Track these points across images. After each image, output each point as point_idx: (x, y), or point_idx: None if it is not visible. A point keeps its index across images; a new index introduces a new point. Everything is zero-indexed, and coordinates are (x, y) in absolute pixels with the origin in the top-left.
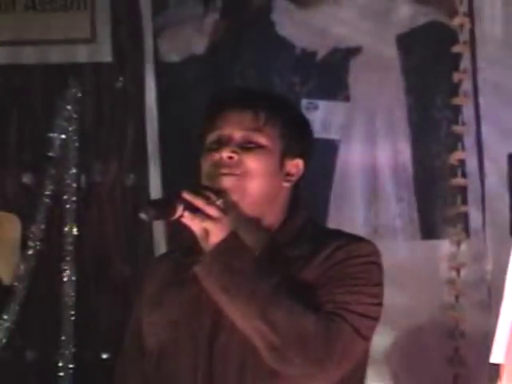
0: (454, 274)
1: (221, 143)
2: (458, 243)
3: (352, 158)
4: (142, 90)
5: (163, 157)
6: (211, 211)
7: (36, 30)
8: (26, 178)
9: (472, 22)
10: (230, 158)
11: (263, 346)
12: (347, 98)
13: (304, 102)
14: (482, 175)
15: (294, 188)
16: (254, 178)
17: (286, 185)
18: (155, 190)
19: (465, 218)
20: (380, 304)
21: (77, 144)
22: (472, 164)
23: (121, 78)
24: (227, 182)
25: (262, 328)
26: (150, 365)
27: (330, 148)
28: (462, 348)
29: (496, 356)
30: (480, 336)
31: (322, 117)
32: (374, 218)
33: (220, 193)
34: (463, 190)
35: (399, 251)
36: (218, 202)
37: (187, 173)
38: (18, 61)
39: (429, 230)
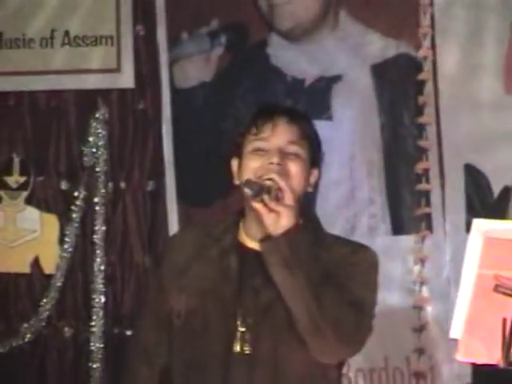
0: (419, 264)
1: (269, 150)
2: (423, 238)
3: (334, 167)
4: (159, 112)
5: (177, 167)
6: (289, 199)
7: (71, 62)
8: (64, 185)
9: (434, 54)
10: (279, 164)
11: (307, 319)
12: (330, 118)
13: None
14: (443, 182)
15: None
16: (295, 183)
17: (310, 190)
18: (171, 195)
19: (428, 217)
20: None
21: (105, 156)
22: (434, 172)
23: (142, 102)
24: (283, 183)
25: (310, 303)
26: (178, 321)
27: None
28: (426, 326)
29: (454, 332)
30: (441, 316)
31: None
32: (352, 217)
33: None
34: (427, 194)
35: (374, 245)
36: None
37: (198, 180)
38: (57, 87)
39: (398, 227)
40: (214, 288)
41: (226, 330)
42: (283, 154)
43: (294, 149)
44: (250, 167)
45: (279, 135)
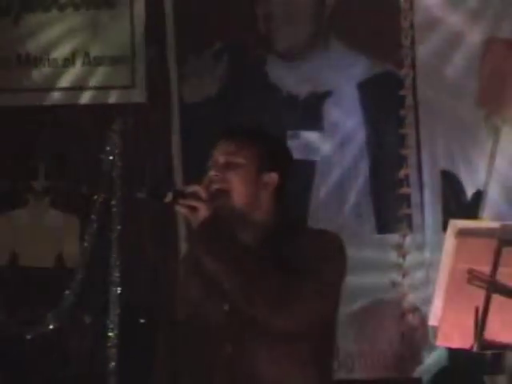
0: (401, 259)
1: (212, 165)
2: (404, 236)
3: (326, 173)
4: (169, 123)
5: (185, 172)
6: (191, 202)
7: (91, 79)
8: (84, 189)
9: (414, 72)
10: (216, 175)
11: (239, 296)
12: (321, 129)
13: (288, 132)
14: (422, 186)
15: (278, 195)
16: (234, 188)
17: (264, 192)
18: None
19: (409, 217)
20: (334, 284)
21: (121, 163)
22: (414, 177)
23: (153, 115)
24: (192, 188)
25: (238, 282)
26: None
27: (309, 166)
28: (407, 314)
29: (432, 320)
30: (420, 305)
31: (303, 143)
32: (342, 217)
33: (213, 195)
34: (408, 197)
35: (362, 242)
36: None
37: None
38: (78, 101)
39: (382, 226)
40: (208, 298)
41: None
42: (221, 166)
43: (231, 159)
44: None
45: (218, 151)
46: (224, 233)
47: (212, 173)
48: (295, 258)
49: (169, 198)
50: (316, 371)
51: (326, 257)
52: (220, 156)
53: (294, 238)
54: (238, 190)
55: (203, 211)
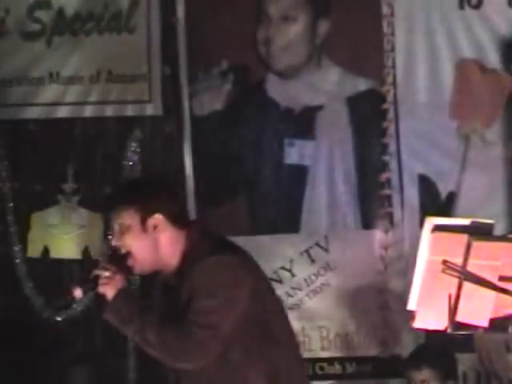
0: (383, 251)
1: (112, 234)
2: (386, 231)
3: (317, 176)
4: (181, 133)
5: (195, 176)
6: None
7: (113, 94)
8: (107, 190)
9: (395, 89)
10: (117, 244)
11: (160, 357)
12: (314, 138)
13: (286, 140)
14: (402, 188)
15: (176, 228)
16: (131, 247)
17: (158, 235)
18: (190, 197)
19: (390, 215)
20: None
21: (139, 168)
22: (395, 180)
23: (168, 126)
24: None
25: (145, 346)
26: None
27: (303, 170)
28: (389, 300)
29: (411, 305)
30: (400, 292)
31: (298, 150)
32: (332, 215)
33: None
34: (389, 197)
35: (349, 237)
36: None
37: (211, 186)
38: (102, 114)
39: (367, 223)
40: None
41: None
42: (117, 233)
43: (117, 225)
44: None
45: (111, 221)
46: (124, 310)
47: (113, 243)
48: (191, 297)
49: (78, 297)
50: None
51: (211, 290)
52: (114, 225)
53: (190, 272)
54: (133, 248)
55: (108, 293)
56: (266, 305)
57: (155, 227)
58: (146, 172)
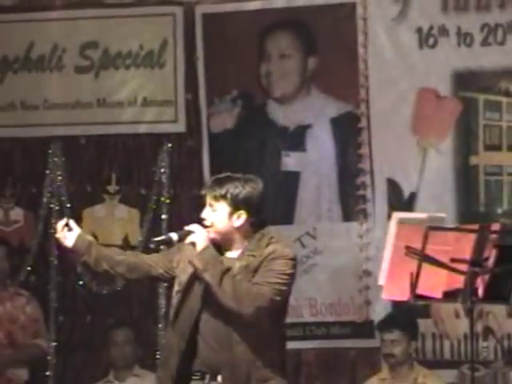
0: (359, 239)
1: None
2: (361, 223)
3: (307, 180)
4: (201, 147)
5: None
6: (195, 236)
7: (147, 116)
8: (143, 191)
9: (368, 111)
10: (203, 218)
11: (223, 300)
12: (305, 150)
13: (283, 152)
14: (373, 189)
15: (251, 223)
16: (214, 225)
17: (237, 225)
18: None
19: (364, 211)
20: (286, 283)
21: (168, 174)
22: (368, 183)
23: (190, 141)
24: (189, 228)
25: (219, 292)
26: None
27: (296, 176)
28: (363, 277)
29: (381, 280)
30: (372, 270)
31: (293, 160)
32: (319, 210)
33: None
34: (364, 196)
35: (333, 228)
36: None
37: None
38: (138, 131)
39: (347, 216)
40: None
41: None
42: (208, 210)
43: (212, 206)
44: None
45: (207, 198)
46: (212, 257)
47: (203, 214)
48: (262, 266)
49: (175, 242)
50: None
51: (280, 269)
52: (208, 205)
53: (263, 248)
54: (215, 226)
55: (200, 244)
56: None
57: (237, 219)
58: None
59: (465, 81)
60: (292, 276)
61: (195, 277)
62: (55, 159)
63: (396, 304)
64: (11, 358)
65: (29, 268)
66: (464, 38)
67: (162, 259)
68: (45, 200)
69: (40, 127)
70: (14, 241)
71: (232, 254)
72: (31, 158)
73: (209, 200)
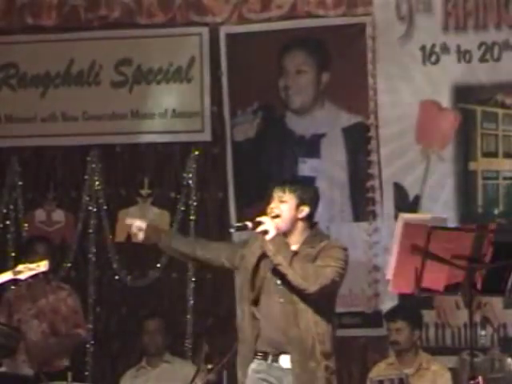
0: (368, 237)
1: (273, 202)
2: (370, 223)
3: (321, 185)
4: (225, 154)
5: (235, 184)
6: (268, 225)
7: (176, 126)
8: (172, 194)
9: (377, 122)
10: (272, 208)
11: (293, 278)
12: (319, 157)
13: (299, 159)
14: (382, 192)
15: (310, 217)
16: (283, 216)
17: (300, 217)
18: (231, 199)
19: (373, 212)
20: (343, 268)
21: (195, 179)
22: (376, 187)
23: (215, 149)
24: (260, 219)
25: (290, 271)
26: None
27: (312, 180)
28: (372, 271)
29: (388, 275)
30: (380, 265)
31: (309, 166)
32: (332, 211)
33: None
34: (373, 199)
35: (343, 227)
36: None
37: (247, 190)
38: (168, 140)
39: (357, 217)
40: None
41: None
42: (277, 201)
43: (282, 199)
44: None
45: (275, 195)
46: (283, 243)
47: (272, 205)
48: (321, 254)
49: (250, 228)
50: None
51: (336, 257)
52: (276, 197)
53: (318, 242)
54: (283, 217)
55: (269, 233)
56: None
57: (301, 212)
58: None
59: (464, 94)
60: (346, 262)
61: (259, 261)
62: (93, 166)
63: (402, 296)
64: (55, 346)
65: (69, 264)
66: (463, 55)
67: (228, 249)
68: (84, 203)
69: (79, 136)
70: (55, 239)
71: (292, 247)
72: (71, 165)
73: (279, 194)
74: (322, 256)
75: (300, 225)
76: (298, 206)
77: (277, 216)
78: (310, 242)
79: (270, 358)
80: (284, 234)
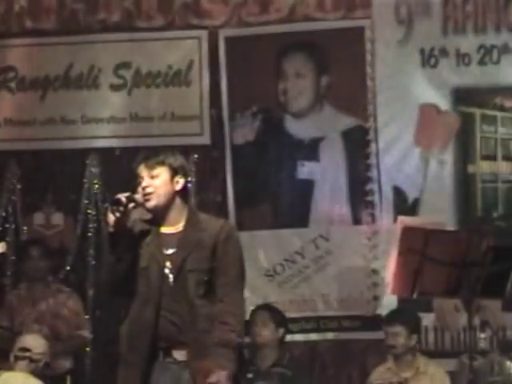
0: (367, 241)
1: (143, 181)
2: (369, 226)
3: (321, 187)
4: (224, 157)
5: (235, 187)
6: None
7: (178, 130)
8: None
9: (376, 125)
10: (145, 187)
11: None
12: (318, 160)
13: (298, 162)
14: (381, 195)
15: (186, 192)
16: (157, 189)
17: (177, 189)
18: (230, 201)
19: (372, 215)
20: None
21: (194, 180)
22: (375, 190)
23: (214, 152)
24: (134, 196)
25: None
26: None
27: (311, 183)
28: (371, 274)
29: (387, 278)
30: (379, 268)
31: (308, 169)
32: (330, 215)
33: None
34: (372, 202)
35: (344, 231)
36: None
37: (245, 194)
38: (167, 143)
39: (356, 220)
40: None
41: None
42: (149, 179)
43: (152, 174)
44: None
45: (144, 172)
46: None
47: (144, 184)
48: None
49: (123, 203)
50: None
51: (240, 264)
52: (145, 173)
53: (200, 222)
54: (157, 191)
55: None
56: None
57: (177, 183)
58: None
59: (463, 97)
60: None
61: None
62: (92, 169)
63: (401, 299)
64: (57, 348)
65: (68, 268)
66: (462, 58)
67: None
68: (83, 206)
69: (78, 140)
70: (54, 243)
71: (169, 230)
72: (70, 168)
73: (147, 171)
74: (224, 263)
75: (178, 200)
76: (172, 178)
77: (149, 194)
78: (193, 221)
79: (161, 354)
80: (163, 213)
